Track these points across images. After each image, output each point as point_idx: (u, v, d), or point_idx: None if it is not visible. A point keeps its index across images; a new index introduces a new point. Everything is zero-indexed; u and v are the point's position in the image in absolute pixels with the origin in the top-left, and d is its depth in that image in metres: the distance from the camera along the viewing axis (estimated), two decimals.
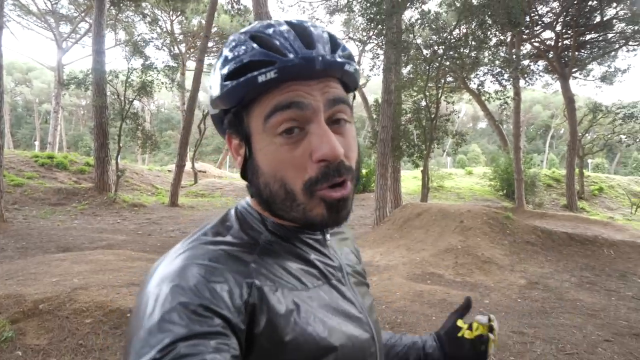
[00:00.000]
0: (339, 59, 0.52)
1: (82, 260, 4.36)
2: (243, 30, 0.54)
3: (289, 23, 0.52)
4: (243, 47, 0.51)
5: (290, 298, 0.50)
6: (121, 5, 15.29)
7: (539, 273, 5.66)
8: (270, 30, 0.51)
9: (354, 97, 0.63)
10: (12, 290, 3.08)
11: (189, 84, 17.32)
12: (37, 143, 35.31)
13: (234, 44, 0.52)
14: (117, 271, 3.88)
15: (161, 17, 19.35)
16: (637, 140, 17.79)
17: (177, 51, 19.14)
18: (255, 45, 0.50)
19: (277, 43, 0.49)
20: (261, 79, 0.49)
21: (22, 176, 12.12)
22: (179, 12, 17.36)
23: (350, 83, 0.57)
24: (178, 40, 21.16)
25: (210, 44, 19.38)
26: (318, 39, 0.51)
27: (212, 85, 0.55)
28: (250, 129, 0.53)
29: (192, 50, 22.98)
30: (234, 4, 13.00)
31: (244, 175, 0.58)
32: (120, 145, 12.31)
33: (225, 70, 0.52)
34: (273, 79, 0.48)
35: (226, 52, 0.53)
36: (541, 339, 3.48)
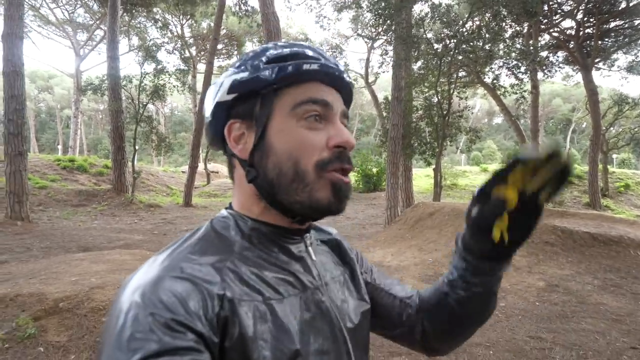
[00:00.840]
0: (348, 79, 0.62)
1: (100, 260, 4.50)
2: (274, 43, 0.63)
3: (306, 45, 0.62)
4: (286, 47, 0.59)
5: (263, 308, 0.50)
6: (133, 11, 15.58)
7: (559, 275, 5.42)
8: (301, 46, 0.60)
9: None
10: (34, 289, 3.20)
11: (200, 86, 17.50)
12: (59, 147, 36.36)
13: (273, 46, 0.60)
14: (132, 271, 3.82)
15: (172, 21, 19.62)
16: None
17: (187, 54, 19.36)
18: (296, 47, 0.60)
19: (318, 50, 0.61)
20: (306, 67, 0.56)
21: (46, 179, 12.61)
22: (189, 16, 17.53)
23: (348, 99, 0.65)
24: (188, 43, 21.40)
25: (219, 46, 19.53)
26: (330, 58, 0.62)
27: (241, 67, 0.59)
28: (272, 111, 0.57)
29: (202, 53, 23.18)
30: (242, 5, 13.05)
31: (250, 161, 0.59)
32: (136, 147, 12.53)
33: (265, 57, 0.57)
34: (314, 70, 0.56)
35: (265, 50, 0.60)
36: (561, 344, 3.30)
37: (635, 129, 17.54)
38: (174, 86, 12.81)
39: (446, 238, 6.51)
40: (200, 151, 14.42)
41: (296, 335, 0.51)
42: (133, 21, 16.45)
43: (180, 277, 0.46)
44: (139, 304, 0.43)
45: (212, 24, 15.67)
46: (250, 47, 24.87)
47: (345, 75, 0.61)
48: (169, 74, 12.65)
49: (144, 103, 12.30)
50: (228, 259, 0.52)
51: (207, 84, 12.72)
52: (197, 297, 0.45)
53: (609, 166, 18.35)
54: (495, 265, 0.65)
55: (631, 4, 13.49)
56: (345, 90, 0.63)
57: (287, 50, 0.58)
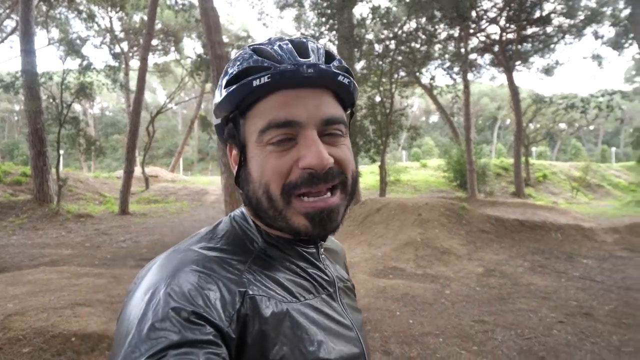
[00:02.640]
0: (333, 69, 0.54)
1: (19, 281, 4.04)
2: (248, 45, 0.58)
3: (289, 39, 0.56)
4: (245, 57, 0.54)
5: (282, 310, 0.49)
6: (52, 0, 14.06)
7: (495, 260, 5.86)
8: (269, 45, 0.54)
9: (352, 115, 0.63)
10: None
11: (133, 84, 16.41)
12: None
13: (237, 57, 0.56)
14: (59, 291, 3.59)
15: (98, 13, 18.07)
16: (576, 128, 19.15)
17: (118, 50, 18.02)
18: (254, 55, 0.53)
19: (274, 53, 0.53)
20: (255, 82, 0.51)
21: None
22: (118, 8, 16.28)
23: (346, 98, 0.58)
24: (119, 38, 19.92)
25: (154, 42, 18.44)
26: (313, 50, 0.54)
27: (216, 94, 0.57)
28: (245, 136, 0.55)
29: (134, 48, 21.72)
30: None
31: (237, 182, 0.58)
32: (60, 152, 11.41)
33: (226, 78, 0.54)
34: (266, 84, 0.51)
35: (230, 64, 0.56)
36: (501, 326, 3.56)
37: (550, 125, 19.51)
38: (104, 84, 11.84)
39: (393, 232, 6.75)
40: (137, 154, 13.50)
41: (313, 338, 0.50)
42: (52, 11, 14.92)
43: (200, 271, 0.47)
44: (157, 297, 0.43)
45: (145, 17, 14.70)
46: (188, 43, 23.84)
47: (324, 67, 0.53)
48: (97, 71, 11.65)
49: (68, 103, 11.22)
50: (249, 259, 0.53)
51: (141, 81, 11.97)
52: (217, 291, 0.45)
53: (529, 158, 20.20)
54: None
55: (544, 13, 15.03)
56: (329, 84, 0.55)
57: (236, 70, 0.53)
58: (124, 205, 11.97)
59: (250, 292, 0.48)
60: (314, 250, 0.62)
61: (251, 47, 0.55)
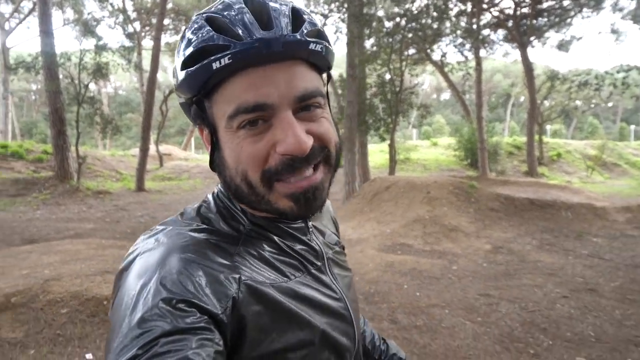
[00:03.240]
0: (302, 38, 0.47)
1: (51, 251, 4.30)
2: (202, 10, 0.50)
3: (246, 1, 0.48)
4: (200, 31, 0.47)
5: (274, 292, 0.49)
6: None
7: (503, 238, 5.97)
8: (226, 11, 0.47)
9: (329, 78, 0.58)
10: None
11: (146, 64, 16.50)
12: None
13: (193, 27, 0.49)
14: (88, 260, 3.83)
15: None
16: (592, 106, 18.71)
17: (131, 30, 18.05)
18: (209, 28, 0.47)
19: (232, 25, 0.46)
20: (216, 65, 0.46)
21: None
22: None
23: (321, 64, 0.52)
24: (131, 18, 19.94)
25: (166, 22, 18.41)
26: (277, 16, 0.47)
27: (175, 71, 0.52)
28: (215, 120, 0.51)
29: (147, 28, 21.71)
30: None
31: (212, 167, 0.55)
32: (79, 131, 11.70)
33: (182, 58, 0.49)
34: (227, 65, 0.45)
35: (187, 35, 0.49)
36: (506, 299, 3.70)
37: (565, 102, 19.07)
38: (118, 64, 11.99)
39: (402, 209, 6.88)
40: (151, 132, 13.77)
41: (303, 316, 0.50)
42: None
43: (191, 257, 0.45)
44: (147, 285, 0.42)
45: None
46: None
47: (292, 38, 0.46)
48: (112, 51, 11.78)
49: (86, 83, 11.43)
50: (238, 241, 0.52)
51: (155, 61, 12.05)
52: (209, 277, 0.44)
53: (543, 137, 19.89)
54: None
55: None
56: (304, 55, 0.49)
57: (192, 49, 0.47)
58: (140, 182, 12.31)
59: (244, 278, 0.47)
60: (302, 225, 0.60)
61: (204, 16, 0.48)
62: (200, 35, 0.47)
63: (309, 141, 0.48)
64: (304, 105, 0.49)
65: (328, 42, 0.52)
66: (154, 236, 0.50)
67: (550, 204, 7.18)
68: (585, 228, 6.49)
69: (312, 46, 0.48)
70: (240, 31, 0.45)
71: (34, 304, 2.80)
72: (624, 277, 4.29)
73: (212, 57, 0.45)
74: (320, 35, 0.51)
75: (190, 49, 0.47)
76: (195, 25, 0.48)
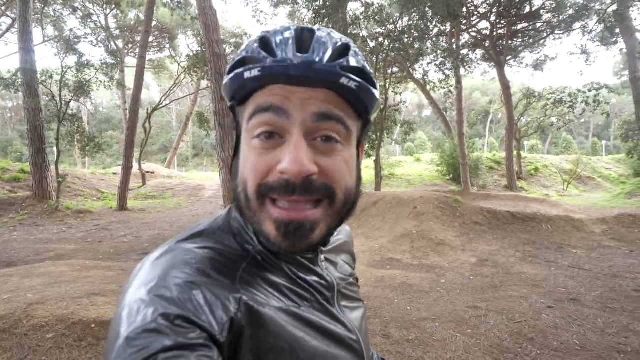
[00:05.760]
0: (334, 68, 0.47)
1: (32, 274, 4.14)
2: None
3: (300, 27, 0.50)
4: (251, 45, 0.49)
5: (276, 316, 0.47)
6: None
7: (488, 251, 6.09)
8: (276, 34, 0.49)
9: (365, 125, 0.56)
10: None
11: (128, 80, 16.39)
12: None
13: (250, 40, 0.51)
14: (73, 282, 3.71)
15: (94, 10, 18.05)
16: (566, 122, 19.47)
17: (114, 47, 17.99)
18: (257, 44, 0.49)
19: (273, 44, 0.48)
20: (247, 75, 0.47)
21: None
22: (114, 6, 16.23)
23: (356, 104, 0.50)
24: (114, 35, 19.88)
25: (150, 39, 18.45)
26: (319, 45, 0.47)
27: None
28: (240, 127, 0.52)
29: (130, 45, 21.70)
30: None
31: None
32: (60, 149, 11.46)
33: (229, 65, 0.51)
34: (256, 77, 0.47)
35: (243, 46, 0.52)
36: (493, 311, 3.77)
37: (541, 119, 19.81)
38: (101, 81, 11.89)
39: (390, 224, 6.95)
40: (134, 150, 13.59)
41: (307, 345, 0.49)
42: (47, 9, 14.86)
43: (192, 274, 0.44)
44: (146, 301, 0.41)
45: (141, 15, 14.67)
46: (183, 40, 23.77)
47: (321, 66, 0.46)
48: (95, 69, 11.68)
49: (67, 100, 11.27)
50: (244, 261, 0.50)
51: (139, 78, 11.98)
52: (209, 296, 0.43)
53: (521, 152, 20.52)
54: None
55: (533, 9, 15.28)
56: (332, 87, 0.48)
57: (237, 58, 0.50)
58: (123, 201, 12.05)
59: (245, 298, 0.46)
60: (311, 255, 0.58)
61: (261, 34, 0.50)
62: (249, 48, 0.49)
63: (310, 167, 0.45)
64: (324, 135, 0.48)
65: (370, 84, 0.50)
66: (159, 251, 0.49)
67: (531, 217, 7.38)
68: (565, 240, 6.68)
69: (343, 80, 0.47)
70: (278, 51, 0.47)
71: (17, 329, 2.68)
72: (604, 287, 4.43)
73: (246, 67, 0.48)
74: (361, 74, 0.49)
75: (236, 58, 0.50)
76: (252, 40, 0.50)
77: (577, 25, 15.29)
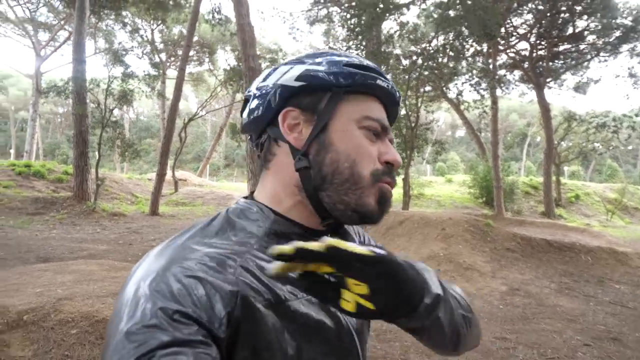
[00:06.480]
0: (399, 103, 0.67)
1: (65, 270, 4.31)
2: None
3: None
4: (365, 61, 0.62)
5: (274, 309, 0.48)
6: (101, 14, 15.11)
7: (520, 279, 5.78)
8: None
9: None
10: None
11: (168, 91, 17.15)
12: (12, 151, 34.19)
13: (353, 56, 0.63)
14: (101, 281, 3.84)
15: (142, 25, 19.23)
16: (610, 148, 18.49)
17: (157, 60, 18.98)
18: (373, 66, 0.62)
19: (385, 75, 0.63)
20: (380, 83, 0.60)
21: None
22: (160, 21, 17.19)
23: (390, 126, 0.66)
24: (158, 49, 21.00)
25: (191, 53, 19.35)
26: None
27: (318, 61, 0.60)
28: (337, 110, 0.58)
29: (172, 58, 22.83)
30: (215, 14, 13.02)
31: (306, 151, 0.58)
32: (101, 154, 12.10)
33: (346, 60, 0.60)
34: (380, 87, 0.60)
35: (347, 55, 0.62)
36: (523, 344, 3.55)
37: (583, 144, 18.90)
38: (143, 91, 12.52)
39: (416, 245, 6.76)
40: (169, 158, 14.11)
41: (308, 336, 0.50)
42: (100, 23, 15.96)
43: (191, 269, 0.45)
44: (146, 295, 0.42)
45: (184, 30, 15.45)
46: (222, 55, 24.80)
47: (399, 99, 0.65)
48: (139, 79, 12.34)
49: (111, 108, 11.93)
50: (243, 255, 0.51)
51: (178, 90, 12.53)
52: (208, 290, 0.44)
53: (561, 178, 19.59)
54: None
55: (577, 31, 14.74)
56: (394, 114, 0.67)
57: (366, 62, 0.61)
58: (155, 206, 12.47)
59: (243, 292, 0.47)
60: None
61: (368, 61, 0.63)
62: (369, 62, 0.62)
63: (400, 160, 0.62)
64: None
65: None
66: (157, 248, 0.51)
67: (569, 246, 6.97)
68: (606, 274, 6.25)
69: (399, 111, 0.69)
70: (388, 79, 0.63)
71: (45, 322, 2.78)
72: None
73: (380, 76, 0.60)
74: None
75: (363, 61, 0.61)
76: (363, 58, 0.63)
77: (624, 47, 14.61)
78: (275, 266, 0.41)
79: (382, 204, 0.58)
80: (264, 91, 0.60)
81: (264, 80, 0.61)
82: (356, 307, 0.43)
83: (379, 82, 0.59)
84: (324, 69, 0.58)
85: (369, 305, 0.43)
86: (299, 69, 0.58)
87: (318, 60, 0.60)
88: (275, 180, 0.60)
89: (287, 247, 0.40)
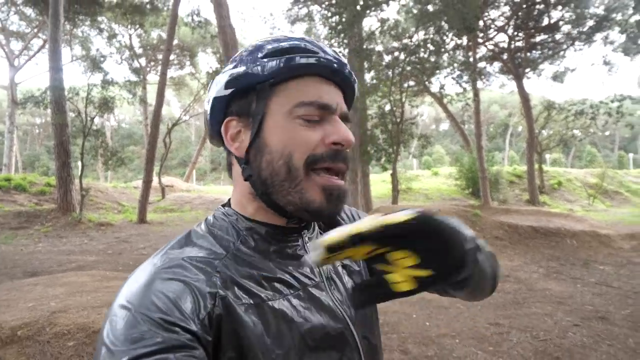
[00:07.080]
0: (352, 75, 0.59)
1: (56, 283, 4.25)
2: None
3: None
4: (290, 40, 0.56)
5: (256, 308, 0.49)
6: (76, 20, 14.73)
7: (509, 266, 5.91)
8: (308, 39, 0.58)
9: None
10: None
11: (150, 97, 16.91)
12: None
13: (280, 38, 0.58)
14: (94, 292, 3.79)
15: (119, 31, 18.91)
16: (589, 134, 18.98)
17: (137, 65, 18.67)
18: (304, 41, 0.56)
19: (321, 46, 0.57)
20: (302, 60, 0.53)
21: None
22: (138, 26, 16.92)
23: (349, 104, 0.62)
24: (137, 54, 20.66)
25: (171, 57, 19.11)
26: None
27: (238, 62, 0.57)
28: (268, 108, 0.55)
29: (152, 63, 22.49)
30: (194, 17, 12.89)
31: (247, 157, 0.57)
32: (84, 163, 11.84)
33: (261, 52, 0.55)
34: (309, 65, 0.54)
35: (267, 42, 0.57)
36: (516, 328, 3.64)
37: (563, 131, 19.35)
38: (124, 98, 12.30)
39: None
40: (154, 164, 13.92)
41: (291, 334, 0.50)
42: (75, 30, 15.60)
43: (170, 278, 0.46)
44: (130, 308, 0.43)
45: (163, 34, 15.25)
46: (203, 57, 24.55)
47: (346, 70, 0.57)
48: (119, 86, 12.11)
49: (92, 116, 11.69)
50: (222, 259, 0.51)
51: (161, 95, 12.37)
52: (189, 296, 0.45)
53: (543, 165, 20.00)
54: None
55: (552, 21, 15.10)
56: (347, 87, 0.59)
57: (285, 44, 0.55)
58: (142, 214, 12.28)
59: (222, 293, 0.47)
60: (297, 242, 0.60)
61: (301, 37, 0.58)
62: (285, 42, 0.56)
63: (352, 138, 0.55)
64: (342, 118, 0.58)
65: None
66: (142, 265, 0.51)
67: (554, 232, 7.16)
68: (591, 256, 6.44)
69: (355, 86, 0.61)
70: (324, 50, 0.56)
71: (40, 336, 2.74)
72: (635, 305, 4.24)
73: (299, 55, 0.54)
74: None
75: (273, 47, 0.55)
76: (285, 38, 0.57)
77: (598, 36, 15.03)
78: (316, 256, 0.41)
79: (330, 196, 0.54)
80: (209, 106, 0.59)
81: (209, 91, 0.60)
82: (412, 282, 0.42)
83: (301, 60, 0.54)
84: (244, 68, 0.55)
85: (423, 273, 0.41)
86: (225, 76, 0.57)
87: (239, 61, 0.57)
88: (236, 190, 0.61)
89: (336, 237, 0.40)
